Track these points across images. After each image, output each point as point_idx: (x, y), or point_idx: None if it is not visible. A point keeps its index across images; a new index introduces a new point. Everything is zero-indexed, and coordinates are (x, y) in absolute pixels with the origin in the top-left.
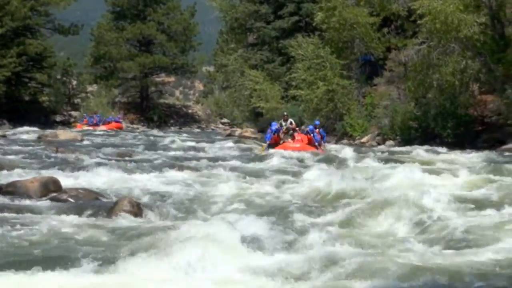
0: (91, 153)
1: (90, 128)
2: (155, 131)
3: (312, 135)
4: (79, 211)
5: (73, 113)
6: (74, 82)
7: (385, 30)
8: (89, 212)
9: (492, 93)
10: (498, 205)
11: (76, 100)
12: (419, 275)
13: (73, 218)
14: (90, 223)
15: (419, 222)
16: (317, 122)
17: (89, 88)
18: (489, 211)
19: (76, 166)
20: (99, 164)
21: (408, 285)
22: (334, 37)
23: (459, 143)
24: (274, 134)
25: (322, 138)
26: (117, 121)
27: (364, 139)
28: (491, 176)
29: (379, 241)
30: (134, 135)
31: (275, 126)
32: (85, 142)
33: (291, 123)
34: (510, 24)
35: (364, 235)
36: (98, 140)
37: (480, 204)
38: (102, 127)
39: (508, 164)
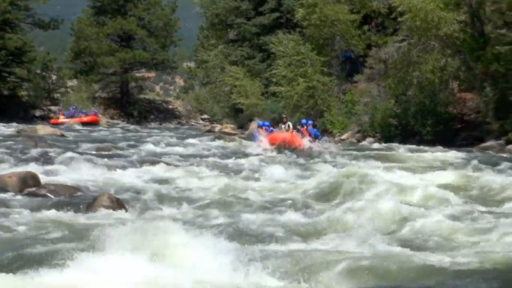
0: (71, 148)
1: (66, 120)
2: (135, 127)
3: (306, 128)
4: (57, 206)
5: (53, 108)
6: (54, 77)
7: (366, 27)
8: (67, 207)
9: (471, 91)
10: (474, 204)
11: (56, 95)
12: (387, 275)
13: (51, 213)
14: (69, 218)
15: (393, 221)
16: (310, 122)
17: (69, 83)
18: (466, 210)
19: (55, 161)
20: (78, 160)
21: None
22: (314, 34)
23: (438, 140)
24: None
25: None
26: (93, 115)
27: (344, 136)
28: (469, 175)
29: (347, 241)
30: (114, 131)
31: (264, 125)
32: (65, 138)
33: (289, 126)
34: (489, 22)
35: (331, 234)
36: (78, 135)
37: (457, 203)
38: (78, 120)
39: (486, 162)
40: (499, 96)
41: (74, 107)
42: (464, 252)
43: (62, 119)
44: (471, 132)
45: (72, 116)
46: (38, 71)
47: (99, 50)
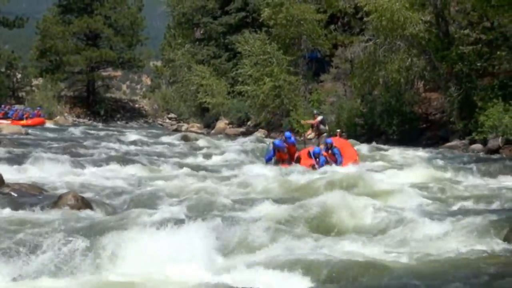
0: (36, 147)
1: (4, 122)
2: (101, 126)
3: (332, 151)
4: (21, 206)
5: (17, 106)
6: (19, 76)
7: (332, 27)
8: (32, 206)
9: (436, 91)
10: (437, 203)
11: (21, 94)
12: (354, 272)
13: (15, 213)
14: (33, 217)
15: (358, 218)
16: (329, 141)
17: (35, 82)
18: (429, 208)
19: (20, 160)
20: (43, 158)
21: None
22: (281, 33)
23: (404, 140)
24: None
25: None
26: (34, 116)
27: (310, 135)
28: (433, 174)
29: (314, 240)
30: (80, 130)
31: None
32: (30, 136)
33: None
34: (454, 23)
35: (302, 232)
36: (43, 134)
37: (422, 202)
38: (20, 123)
39: (450, 161)
40: (463, 96)
41: (24, 107)
42: (420, 250)
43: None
44: (436, 132)
45: (18, 119)
46: (3, 70)
47: (65, 49)
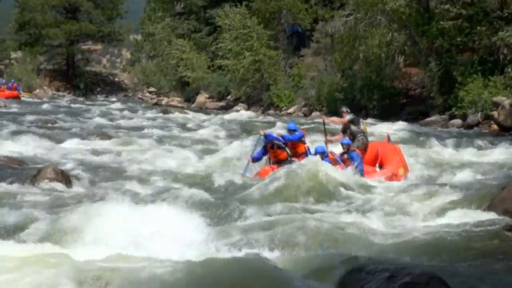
0: (15, 120)
1: None
2: (81, 99)
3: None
4: (0, 179)
5: None
6: None
7: (313, 1)
8: (11, 179)
9: (417, 66)
10: (421, 177)
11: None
12: (330, 244)
13: None
14: (12, 190)
15: (337, 191)
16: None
17: (13, 55)
18: (414, 182)
19: None
20: (23, 132)
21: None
22: (261, 8)
23: (384, 115)
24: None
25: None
26: (9, 89)
27: (290, 110)
28: (415, 149)
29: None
30: (60, 103)
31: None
32: (9, 110)
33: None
34: None
35: (277, 207)
36: (22, 107)
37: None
38: None
39: (430, 136)
40: (443, 71)
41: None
42: (406, 221)
43: None
44: (416, 107)
45: None
46: None
47: (44, 22)
